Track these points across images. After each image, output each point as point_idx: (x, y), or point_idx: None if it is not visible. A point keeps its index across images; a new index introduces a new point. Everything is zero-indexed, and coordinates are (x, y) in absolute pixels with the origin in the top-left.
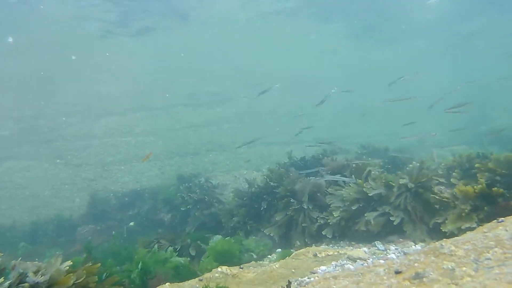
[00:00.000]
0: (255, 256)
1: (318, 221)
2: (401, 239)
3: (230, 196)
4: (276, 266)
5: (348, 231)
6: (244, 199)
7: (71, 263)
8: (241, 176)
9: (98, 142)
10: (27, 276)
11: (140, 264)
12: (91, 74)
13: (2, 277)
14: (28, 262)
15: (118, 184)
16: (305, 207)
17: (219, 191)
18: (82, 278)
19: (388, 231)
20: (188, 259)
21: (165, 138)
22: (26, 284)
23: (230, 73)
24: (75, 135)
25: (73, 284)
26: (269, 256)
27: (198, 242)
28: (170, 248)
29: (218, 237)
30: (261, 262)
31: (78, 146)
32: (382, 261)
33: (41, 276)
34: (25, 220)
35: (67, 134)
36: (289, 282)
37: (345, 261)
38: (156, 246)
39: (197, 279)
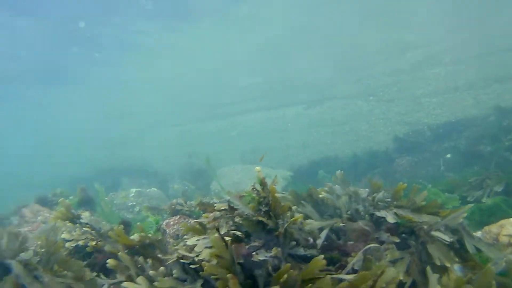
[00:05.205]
0: None
1: None
2: None
3: None
4: None
5: None
6: None
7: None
8: None
9: (406, 76)
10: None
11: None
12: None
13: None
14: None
15: (431, 117)
16: None
17: None
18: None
19: None
20: None
21: (478, 65)
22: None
23: None
24: (383, 72)
25: None
26: None
27: None
28: None
29: None
30: None
31: (387, 82)
32: None
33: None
34: (347, 153)
35: (376, 71)
36: None
37: None
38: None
39: None
